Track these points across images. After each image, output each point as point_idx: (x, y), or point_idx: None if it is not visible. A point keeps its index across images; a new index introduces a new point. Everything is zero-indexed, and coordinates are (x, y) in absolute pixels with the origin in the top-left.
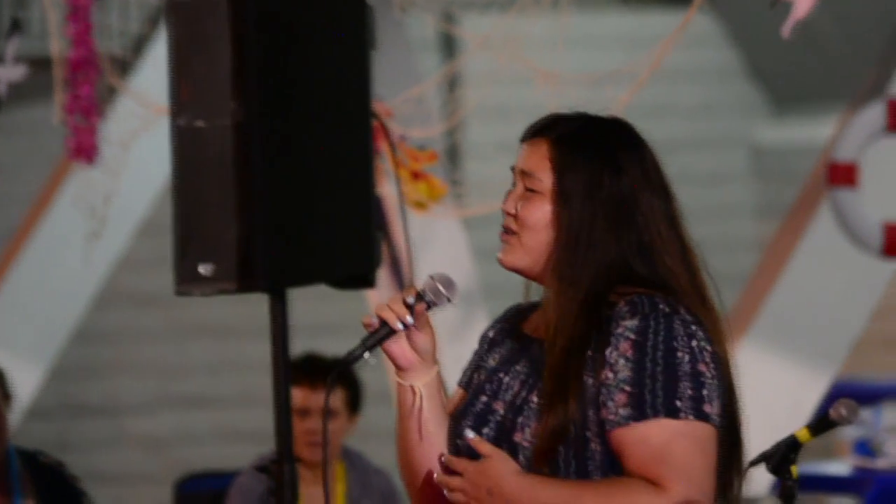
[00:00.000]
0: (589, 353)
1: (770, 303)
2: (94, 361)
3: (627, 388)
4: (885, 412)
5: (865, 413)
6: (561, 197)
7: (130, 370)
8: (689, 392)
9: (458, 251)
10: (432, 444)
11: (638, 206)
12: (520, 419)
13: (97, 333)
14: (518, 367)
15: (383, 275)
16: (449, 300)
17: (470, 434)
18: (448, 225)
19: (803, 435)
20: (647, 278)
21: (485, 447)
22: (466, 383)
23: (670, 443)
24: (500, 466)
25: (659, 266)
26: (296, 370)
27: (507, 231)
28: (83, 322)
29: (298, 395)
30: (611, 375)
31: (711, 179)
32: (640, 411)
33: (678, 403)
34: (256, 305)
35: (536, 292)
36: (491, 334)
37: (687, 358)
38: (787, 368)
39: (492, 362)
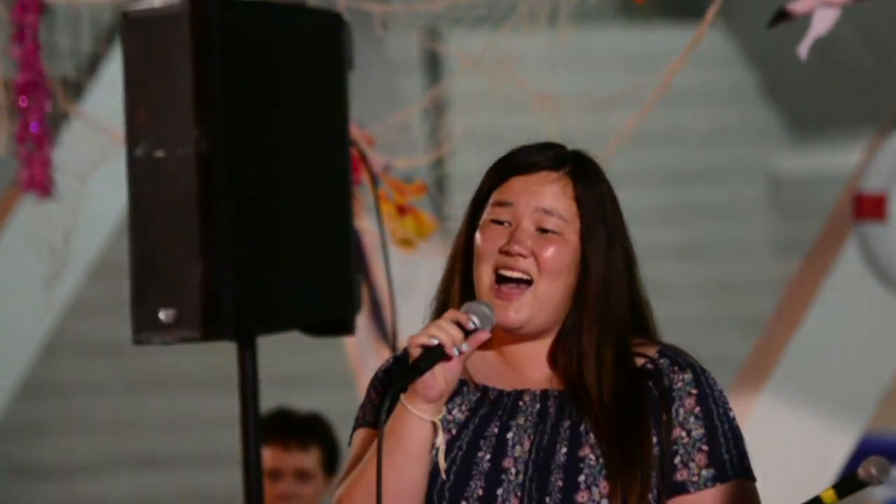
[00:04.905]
0: (646, 409)
1: (791, 349)
2: (42, 417)
3: (705, 448)
4: None
5: None
6: (592, 240)
7: (82, 427)
8: (747, 451)
9: None
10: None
11: (632, 245)
12: (581, 478)
13: (46, 386)
14: (520, 422)
15: (363, 321)
16: (492, 326)
17: None
18: (433, 264)
19: (829, 496)
20: (643, 325)
21: None
22: None
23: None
24: None
25: (643, 311)
26: (266, 427)
27: (518, 280)
28: (30, 374)
29: (269, 456)
30: (684, 434)
31: (726, 213)
32: (723, 472)
33: (746, 463)
34: (222, 355)
35: None
36: None
37: (733, 415)
38: (811, 422)
39: (458, 414)
